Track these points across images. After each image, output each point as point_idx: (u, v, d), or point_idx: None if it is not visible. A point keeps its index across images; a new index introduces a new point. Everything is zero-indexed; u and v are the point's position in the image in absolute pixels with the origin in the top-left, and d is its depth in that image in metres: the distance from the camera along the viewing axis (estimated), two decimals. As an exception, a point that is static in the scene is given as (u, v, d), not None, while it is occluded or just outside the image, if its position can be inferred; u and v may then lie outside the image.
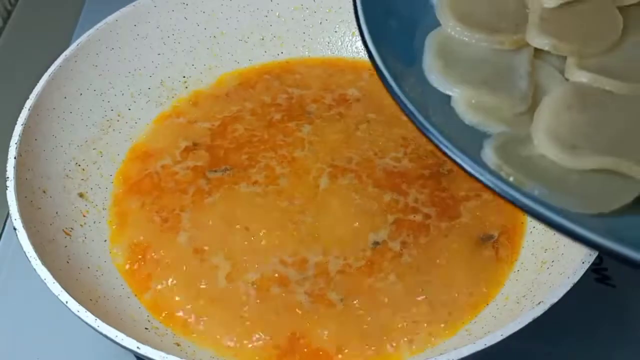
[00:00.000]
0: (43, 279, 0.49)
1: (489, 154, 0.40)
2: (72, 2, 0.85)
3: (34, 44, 0.82)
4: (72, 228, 0.56)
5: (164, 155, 0.62)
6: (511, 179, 0.38)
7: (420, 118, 0.40)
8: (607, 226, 0.37)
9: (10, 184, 0.53)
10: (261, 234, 0.56)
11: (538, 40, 0.46)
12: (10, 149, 0.55)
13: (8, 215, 0.52)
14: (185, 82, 0.67)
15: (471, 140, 0.41)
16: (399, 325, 0.51)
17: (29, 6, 0.87)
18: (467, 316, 0.52)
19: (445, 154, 0.38)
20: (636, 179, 0.39)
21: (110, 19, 0.64)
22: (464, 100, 0.43)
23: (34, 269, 0.49)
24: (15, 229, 0.51)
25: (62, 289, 0.48)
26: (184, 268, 0.55)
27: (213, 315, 0.52)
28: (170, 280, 0.54)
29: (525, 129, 0.42)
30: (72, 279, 0.51)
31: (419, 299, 0.52)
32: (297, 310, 0.52)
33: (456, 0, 0.49)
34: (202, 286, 0.54)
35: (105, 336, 0.46)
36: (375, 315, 0.52)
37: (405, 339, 0.50)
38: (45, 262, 0.49)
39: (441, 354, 0.45)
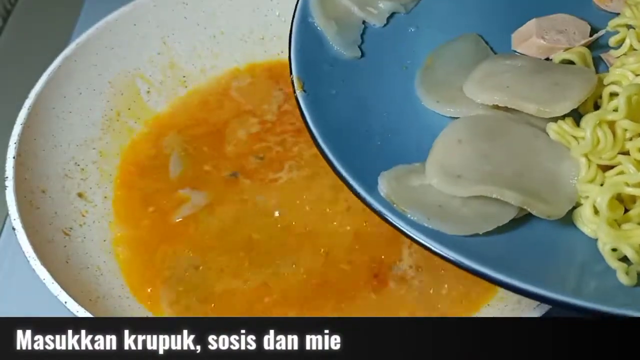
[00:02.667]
0: (42, 279, 0.49)
1: (380, 185, 0.44)
2: (72, 1, 0.85)
3: (33, 44, 0.82)
4: (71, 228, 0.56)
5: (164, 155, 0.62)
6: (395, 207, 0.44)
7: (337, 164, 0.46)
8: (476, 247, 0.43)
9: (10, 183, 0.53)
10: (264, 250, 0.55)
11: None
12: (9, 148, 0.55)
13: (7, 215, 0.52)
14: (184, 81, 0.67)
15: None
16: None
17: (28, 6, 0.87)
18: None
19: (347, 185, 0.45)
20: (510, 203, 0.44)
21: (109, 18, 0.64)
22: None
23: (33, 269, 0.49)
24: (14, 228, 0.51)
25: (61, 289, 0.48)
26: (184, 268, 0.55)
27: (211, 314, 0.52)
28: (170, 280, 0.54)
29: None
30: (72, 279, 0.51)
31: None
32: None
33: None
34: (201, 284, 0.54)
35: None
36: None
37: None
38: (44, 262, 0.49)
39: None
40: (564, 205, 0.45)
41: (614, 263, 0.44)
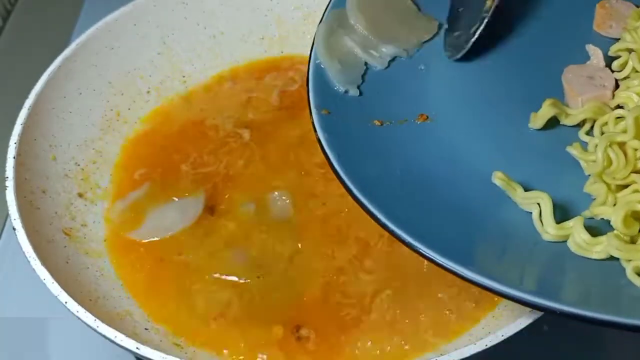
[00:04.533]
0: (42, 279, 0.49)
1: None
2: (72, 1, 0.85)
3: (33, 44, 0.82)
4: (71, 228, 0.56)
5: (164, 155, 0.62)
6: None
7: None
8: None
9: (10, 183, 0.53)
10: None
11: None
12: (9, 148, 0.55)
13: (7, 215, 0.52)
14: (184, 81, 0.67)
15: None
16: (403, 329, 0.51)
17: (28, 6, 0.87)
18: (469, 319, 0.51)
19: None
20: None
21: (109, 18, 0.64)
22: None
23: (34, 269, 0.49)
24: (14, 229, 0.51)
25: (61, 289, 0.48)
26: (186, 267, 0.55)
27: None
28: (169, 280, 0.54)
29: None
30: (72, 279, 0.51)
31: (422, 305, 0.52)
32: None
33: None
34: (198, 287, 0.54)
35: (105, 336, 0.46)
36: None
37: (407, 347, 0.51)
38: (44, 262, 0.49)
39: (442, 354, 0.44)
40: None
41: (635, 279, 0.44)
